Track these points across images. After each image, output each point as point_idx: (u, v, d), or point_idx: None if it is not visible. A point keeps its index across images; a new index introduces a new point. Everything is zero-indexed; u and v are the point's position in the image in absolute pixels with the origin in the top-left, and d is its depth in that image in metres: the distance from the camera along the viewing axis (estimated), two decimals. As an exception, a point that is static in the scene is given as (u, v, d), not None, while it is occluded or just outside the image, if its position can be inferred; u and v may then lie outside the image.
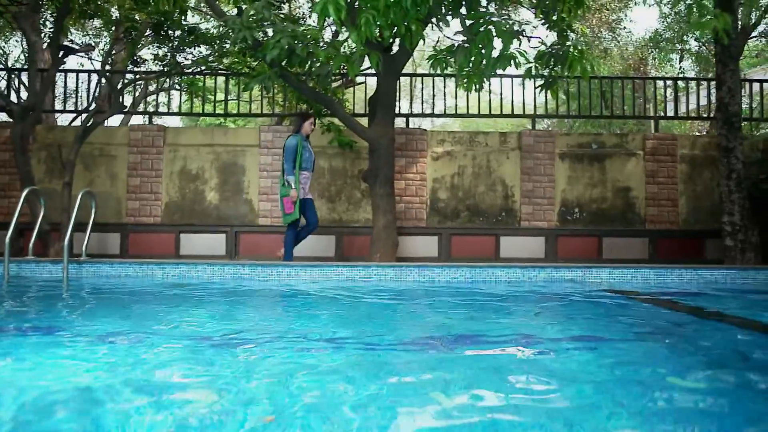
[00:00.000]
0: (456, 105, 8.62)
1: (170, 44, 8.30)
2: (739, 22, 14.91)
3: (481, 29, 5.44)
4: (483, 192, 8.01)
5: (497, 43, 5.87)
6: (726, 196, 6.98)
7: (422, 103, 10.66)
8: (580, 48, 6.75)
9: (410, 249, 7.72)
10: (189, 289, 4.77)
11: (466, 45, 5.54)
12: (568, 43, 6.84)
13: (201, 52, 8.87)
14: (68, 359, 2.26)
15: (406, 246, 7.72)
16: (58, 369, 2.12)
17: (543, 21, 7.27)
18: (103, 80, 8.07)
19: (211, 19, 12.51)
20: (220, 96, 10.91)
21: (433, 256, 7.71)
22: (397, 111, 8.45)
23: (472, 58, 5.74)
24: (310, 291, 4.76)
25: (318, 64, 6.98)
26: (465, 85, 6.42)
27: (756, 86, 9.00)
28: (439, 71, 5.87)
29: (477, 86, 6.59)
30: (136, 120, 11.63)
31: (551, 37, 7.20)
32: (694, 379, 2.09)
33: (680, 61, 16.63)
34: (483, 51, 5.39)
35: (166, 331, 2.91)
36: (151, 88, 10.87)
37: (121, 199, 7.94)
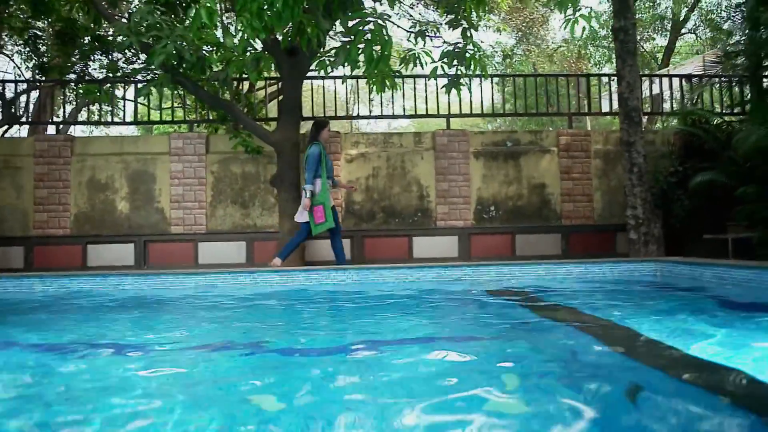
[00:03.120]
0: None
1: (77, 52, 8.14)
2: (671, 20, 15.22)
3: (362, 29, 5.40)
4: (398, 193, 7.99)
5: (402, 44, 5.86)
6: (629, 189, 7.06)
7: (371, 104, 10.15)
8: (478, 47, 6.79)
9: (323, 253, 7.65)
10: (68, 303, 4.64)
11: (347, 46, 5.48)
12: (468, 41, 6.87)
13: (112, 59, 8.72)
14: None
15: (319, 250, 7.65)
16: None
17: (447, 21, 7.30)
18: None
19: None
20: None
21: (347, 259, 7.65)
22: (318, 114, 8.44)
23: (362, 59, 5.69)
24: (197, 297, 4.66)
25: (219, 68, 6.91)
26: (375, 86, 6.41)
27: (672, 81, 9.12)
28: (323, 73, 5.81)
29: (387, 86, 6.58)
30: (79, 130, 11.40)
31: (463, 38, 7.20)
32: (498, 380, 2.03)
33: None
34: (363, 51, 5.33)
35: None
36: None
37: (28, 212, 7.74)
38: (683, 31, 15.19)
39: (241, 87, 8.39)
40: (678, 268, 5.28)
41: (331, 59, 5.58)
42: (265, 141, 7.06)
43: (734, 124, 7.75)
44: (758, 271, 4.26)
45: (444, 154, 8.05)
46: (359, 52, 5.32)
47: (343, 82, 7.60)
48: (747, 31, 7.44)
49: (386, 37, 5.27)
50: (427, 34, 7.15)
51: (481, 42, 6.92)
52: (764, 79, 8.05)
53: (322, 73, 5.71)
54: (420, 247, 7.79)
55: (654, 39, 16.38)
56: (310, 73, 7.57)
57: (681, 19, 14.62)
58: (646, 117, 11.72)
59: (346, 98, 13.14)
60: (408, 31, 7.16)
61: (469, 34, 7.04)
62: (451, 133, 8.13)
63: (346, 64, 5.53)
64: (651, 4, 15.04)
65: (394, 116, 8.58)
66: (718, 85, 8.72)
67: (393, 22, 7.46)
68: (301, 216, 6.24)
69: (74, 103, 10.99)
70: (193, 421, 1.58)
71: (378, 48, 5.30)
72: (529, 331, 3.00)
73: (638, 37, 16.71)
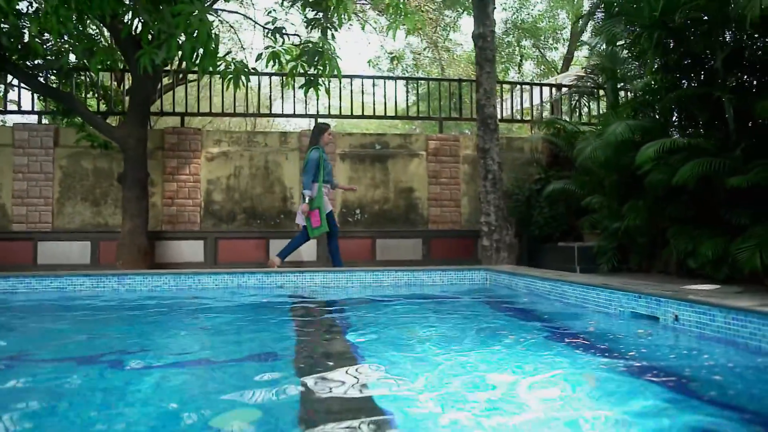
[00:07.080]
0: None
1: None
2: (570, 31, 15.58)
3: (188, 22, 5.15)
4: (261, 194, 7.76)
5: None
6: (483, 196, 7.07)
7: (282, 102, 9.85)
8: (331, 47, 6.66)
9: (176, 254, 7.35)
10: None
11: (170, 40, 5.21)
12: (323, 42, 6.73)
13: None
14: None
15: (172, 251, 7.34)
16: None
17: (307, 20, 7.13)
18: None
19: None
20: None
21: (200, 261, 7.37)
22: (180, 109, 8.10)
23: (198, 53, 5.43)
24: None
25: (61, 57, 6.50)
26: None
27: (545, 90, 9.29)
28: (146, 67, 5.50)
29: (242, 83, 6.33)
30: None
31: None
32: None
33: (520, 65, 17.20)
34: (184, 45, 5.08)
35: None
36: None
37: None
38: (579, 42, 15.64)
39: (101, 79, 7.93)
40: (501, 276, 5.30)
41: (155, 52, 5.28)
42: (109, 136, 6.70)
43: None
44: (555, 283, 4.29)
45: (310, 155, 7.87)
46: (179, 46, 5.06)
47: (168, 78, 7.28)
48: (603, 46, 7.60)
49: (209, 34, 5.04)
50: (284, 32, 6.97)
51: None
52: (623, 92, 8.29)
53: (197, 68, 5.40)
54: (277, 249, 7.56)
55: (557, 48, 16.83)
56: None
57: (579, 30, 15.02)
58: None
59: (247, 95, 12.78)
60: (264, 27, 6.94)
61: (330, 34, 6.90)
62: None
63: (174, 57, 5.27)
64: (551, 14, 15.43)
65: (259, 114, 8.33)
66: (585, 96, 8.91)
67: (251, 19, 7.24)
68: (300, 219, 6.34)
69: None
70: None
71: (197, 41, 5.06)
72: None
73: (540, 46, 17.10)
